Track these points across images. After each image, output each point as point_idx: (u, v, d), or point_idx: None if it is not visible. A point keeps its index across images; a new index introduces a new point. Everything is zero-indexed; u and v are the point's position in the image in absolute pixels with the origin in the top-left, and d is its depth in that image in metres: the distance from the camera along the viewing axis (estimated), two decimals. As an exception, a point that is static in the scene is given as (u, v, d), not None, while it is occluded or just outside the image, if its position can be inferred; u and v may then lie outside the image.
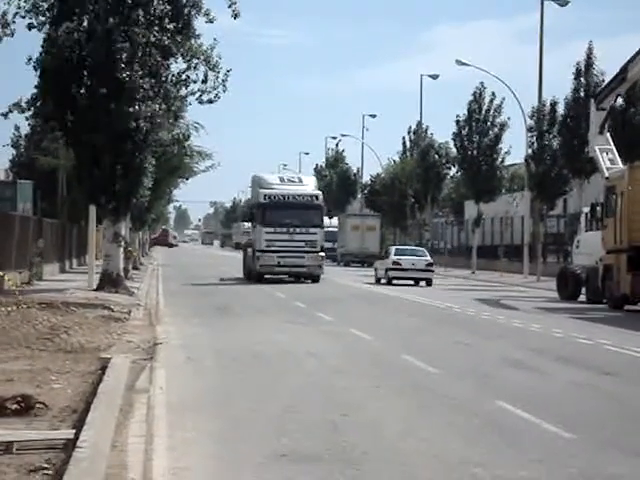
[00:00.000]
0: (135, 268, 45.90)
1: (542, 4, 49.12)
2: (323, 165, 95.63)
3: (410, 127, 75.83)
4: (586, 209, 34.85)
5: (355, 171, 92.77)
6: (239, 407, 11.20)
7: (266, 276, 40.68)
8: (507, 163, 60.21)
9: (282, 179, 43.15)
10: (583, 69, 45.15)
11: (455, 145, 59.05)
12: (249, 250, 42.67)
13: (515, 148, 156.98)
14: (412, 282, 40.63)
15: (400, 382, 13.34)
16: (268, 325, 21.23)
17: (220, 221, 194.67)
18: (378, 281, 41.96)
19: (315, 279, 40.36)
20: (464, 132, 57.22)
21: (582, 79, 45.20)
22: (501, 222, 64.65)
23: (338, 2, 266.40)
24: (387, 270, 40.99)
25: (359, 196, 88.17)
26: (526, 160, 48.90)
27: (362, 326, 20.64)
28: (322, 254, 40.66)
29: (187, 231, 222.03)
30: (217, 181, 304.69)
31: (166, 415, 10.51)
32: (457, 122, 57.53)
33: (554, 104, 47.44)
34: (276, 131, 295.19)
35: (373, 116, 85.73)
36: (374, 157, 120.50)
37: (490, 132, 57.01)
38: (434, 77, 69.06)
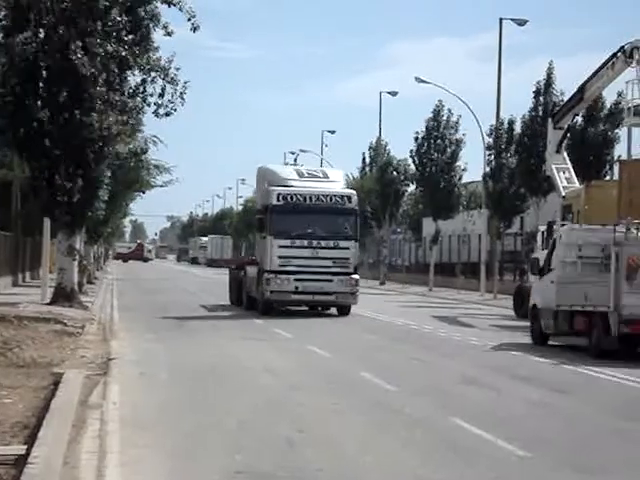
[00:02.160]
0: (90, 282, 45.47)
1: (501, 23, 49.56)
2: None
3: (370, 143, 76.12)
4: (542, 227, 35.02)
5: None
6: (193, 423, 11.07)
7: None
8: (466, 181, 60.56)
9: (301, 173, 31.04)
10: (543, 88, 45.56)
11: (414, 162, 59.31)
12: (250, 271, 31.15)
13: (474, 166, 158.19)
14: None
15: (357, 399, 13.27)
16: (224, 340, 21.10)
17: (177, 235, 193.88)
18: None
19: (344, 311, 29.74)
20: (422, 149, 57.50)
21: (541, 98, 45.60)
22: (459, 239, 64.94)
23: (298, 18, 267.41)
24: None
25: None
26: (484, 178, 49.19)
27: (320, 343, 20.57)
28: (356, 277, 29.53)
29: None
30: (174, 195, 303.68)
31: (119, 431, 10.36)
32: (416, 139, 57.81)
33: (511, 123, 47.79)
34: (235, 145, 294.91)
35: (332, 132, 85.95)
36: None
37: (448, 149, 57.33)
38: (393, 94, 69.38)
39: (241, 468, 8.86)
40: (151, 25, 27.51)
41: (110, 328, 23.08)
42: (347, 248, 29.31)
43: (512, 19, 49.41)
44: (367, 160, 77.19)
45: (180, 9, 26.94)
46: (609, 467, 9.65)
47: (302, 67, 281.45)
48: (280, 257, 28.93)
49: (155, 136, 42.51)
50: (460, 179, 58.13)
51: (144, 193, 51.74)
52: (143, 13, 27.36)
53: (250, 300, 31.00)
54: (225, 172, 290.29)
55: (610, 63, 30.18)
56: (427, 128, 57.43)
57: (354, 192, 31.05)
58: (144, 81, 27.69)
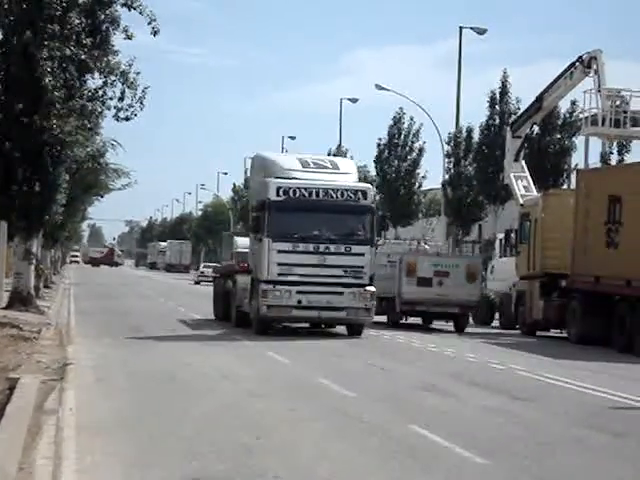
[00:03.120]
0: (46, 287, 45.07)
1: (460, 31, 49.81)
2: (242, 186, 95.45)
3: (330, 150, 76.19)
4: (500, 235, 35.31)
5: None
6: (150, 429, 10.99)
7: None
8: (426, 188, 60.80)
9: (305, 163, 25.43)
10: (498, 97, 45.86)
11: (375, 168, 59.52)
12: (241, 280, 26.63)
13: (434, 173, 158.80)
14: None
15: (315, 405, 13.25)
16: (183, 346, 20.99)
17: (135, 240, 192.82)
18: None
19: (356, 330, 24.96)
20: (384, 156, 57.73)
21: (497, 107, 45.90)
22: (418, 246, 65.12)
23: (258, 23, 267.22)
24: None
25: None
26: (443, 185, 49.42)
27: (279, 349, 20.54)
28: (372, 289, 24.41)
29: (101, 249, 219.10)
30: (133, 200, 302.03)
31: (75, 437, 10.26)
32: (378, 145, 58.05)
33: (470, 131, 48.08)
34: (195, 150, 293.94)
35: (293, 138, 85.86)
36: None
37: (408, 157, 57.59)
38: (354, 101, 69.50)
39: (198, 475, 8.81)
40: (111, 28, 27.34)
41: (67, 333, 22.88)
42: (361, 254, 24.22)
43: (472, 28, 49.68)
44: (327, 166, 76.90)
45: (140, 13, 26.81)
46: (567, 475, 9.71)
47: (263, 72, 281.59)
48: (280, 264, 23.93)
49: (114, 140, 42.27)
50: (420, 186, 58.39)
51: (102, 197, 51.38)
52: (103, 16, 27.18)
53: (241, 316, 26.35)
54: (185, 177, 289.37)
55: (568, 73, 30.51)
56: (389, 135, 57.66)
57: (370, 186, 26.07)
58: (104, 85, 27.54)
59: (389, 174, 57.39)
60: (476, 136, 47.51)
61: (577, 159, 44.26)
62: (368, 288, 24.28)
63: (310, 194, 24.23)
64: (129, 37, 27.37)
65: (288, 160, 25.91)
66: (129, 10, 27.18)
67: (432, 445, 10.64)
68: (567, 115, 43.33)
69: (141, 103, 27.52)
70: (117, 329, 24.99)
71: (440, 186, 51.16)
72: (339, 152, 73.56)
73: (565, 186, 41.51)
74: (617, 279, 24.05)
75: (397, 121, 57.42)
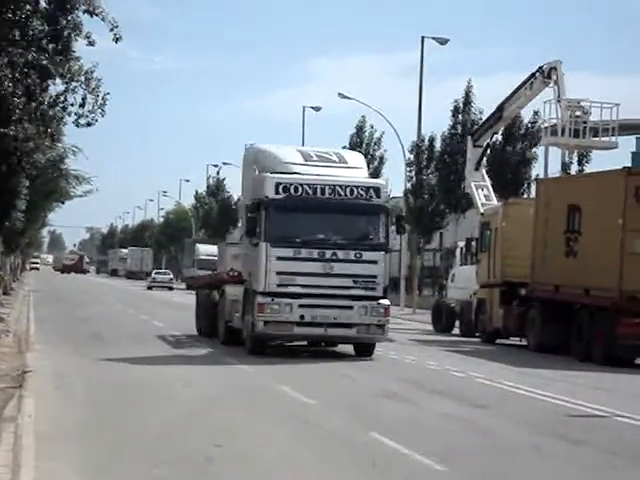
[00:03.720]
0: (5, 293, 44.66)
1: (422, 41, 50.08)
2: (204, 193, 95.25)
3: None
4: (461, 244, 35.48)
5: (236, 200, 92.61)
6: (110, 437, 10.95)
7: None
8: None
9: (307, 156, 22.27)
10: (461, 106, 46.15)
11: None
12: (230, 292, 23.43)
13: (395, 182, 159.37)
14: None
15: (276, 413, 13.25)
16: (142, 354, 20.88)
17: (96, 247, 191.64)
18: None
19: (366, 351, 21.74)
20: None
21: (460, 116, 46.19)
22: None
23: (222, 30, 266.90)
24: None
25: (240, 225, 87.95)
26: (405, 194, 49.61)
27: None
28: (386, 303, 21.27)
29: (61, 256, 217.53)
30: (94, 206, 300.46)
31: (34, 444, 10.19)
32: (340, 155, 58.04)
33: (432, 140, 48.33)
34: (157, 157, 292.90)
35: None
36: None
37: (370, 165, 57.71)
38: (316, 109, 69.56)
39: (158, 483, 8.78)
40: (73, 35, 27.21)
41: (26, 340, 22.70)
42: (374, 262, 20.97)
43: (434, 38, 49.97)
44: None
45: (102, 19, 26.71)
46: (524, 481, 9.79)
47: (225, 80, 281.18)
48: (279, 273, 20.70)
49: (75, 146, 42.06)
50: (381, 195, 58.56)
51: (63, 203, 51.13)
52: (64, 22, 27.05)
53: (230, 332, 23.20)
54: (147, 184, 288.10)
55: (529, 83, 30.75)
56: (350, 144, 57.76)
57: (384, 182, 23.17)
58: (65, 91, 27.40)
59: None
60: (438, 145, 47.77)
61: (538, 169, 44.65)
62: (382, 301, 21.08)
63: (314, 191, 21.04)
64: (91, 43, 27.24)
65: (288, 152, 22.47)
66: (91, 17, 27.12)
67: (392, 452, 10.68)
68: (529, 125, 43.69)
69: (102, 109, 27.44)
70: (77, 336, 24.82)
71: (402, 195, 51.38)
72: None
73: (525, 195, 41.83)
74: (576, 288, 24.25)
75: (359, 129, 57.57)
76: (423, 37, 49.94)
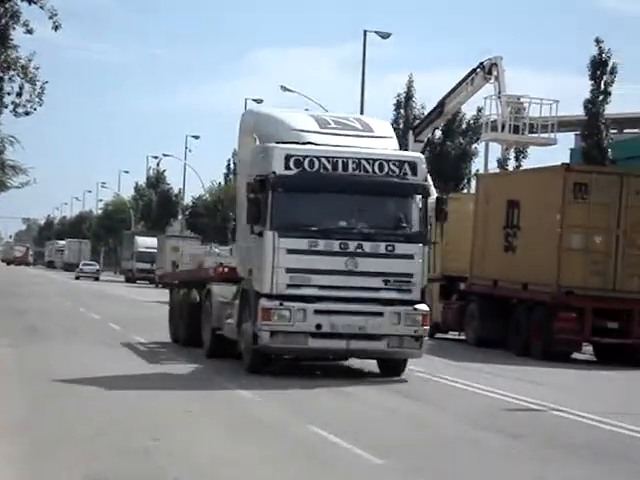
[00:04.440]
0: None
1: (365, 35, 50.15)
2: (144, 185, 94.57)
3: (234, 150, 76.01)
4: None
5: (177, 192, 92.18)
6: (47, 431, 10.80)
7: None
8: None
9: (323, 122, 17.76)
10: (403, 101, 46.32)
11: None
12: (219, 292, 19.18)
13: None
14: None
15: (214, 406, 13.19)
16: (80, 348, 20.64)
17: (33, 238, 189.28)
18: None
19: (396, 368, 17.35)
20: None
21: (402, 111, 46.36)
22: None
23: (161, 21, 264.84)
24: None
25: (180, 217, 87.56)
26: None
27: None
28: (424, 309, 16.89)
29: None
30: (31, 197, 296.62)
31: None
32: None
33: (374, 134, 48.39)
34: (96, 148, 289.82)
35: (196, 137, 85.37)
36: (197, 178, 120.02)
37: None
38: (258, 101, 69.28)
39: (96, 477, 8.69)
40: (10, 23, 26.79)
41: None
42: (409, 256, 16.70)
43: (376, 32, 50.04)
44: (232, 166, 77.11)
45: (41, 7, 26.35)
46: (463, 475, 9.86)
47: (166, 71, 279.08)
48: (290, 270, 16.33)
49: (12, 136, 41.41)
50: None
51: (-1, 194, 50.30)
52: (2, 10, 26.62)
53: (218, 342, 18.92)
54: (85, 175, 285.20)
55: (470, 79, 30.95)
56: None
57: (421, 156, 17.90)
58: (1, 79, 26.97)
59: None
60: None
61: (478, 164, 45.00)
62: (419, 307, 16.66)
63: (334, 166, 16.59)
64: (29, 32, 26.87)
65: (298, 118, 17.95)
66: (29, 4, 26.73)
67: (330, 446, 10.68)
68: (472, 121, 44.00)
69: (40, 98, 27.06)
70: (12, 329, 24.46)
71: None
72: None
73: (466, 191, 42.13)
74: (514, 283, 24.48)
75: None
76: (365, 31, 49.95)
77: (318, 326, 16.27)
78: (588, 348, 24.27)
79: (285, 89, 52.61)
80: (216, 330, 18.95)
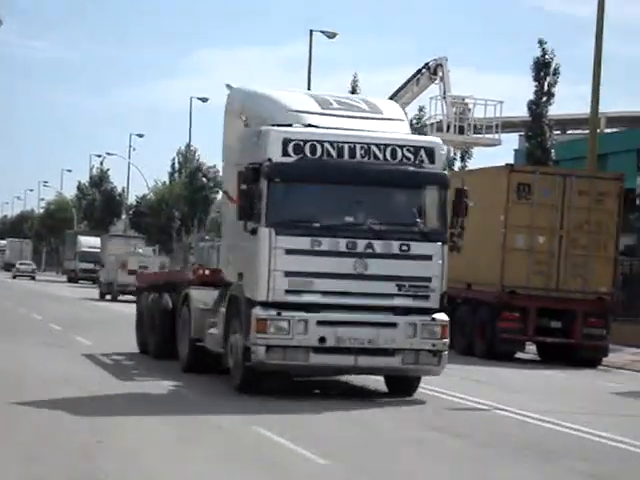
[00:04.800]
0: None
1: (311, 35, 50.13)
2: (87, 184, 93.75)
3: (179, 149, 75.64)
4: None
5: (120, 191, 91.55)
6: None
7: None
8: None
9: (325, 102, 15.62)
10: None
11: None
12: (199, 297, 17.00)
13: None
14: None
15: (161, 408, 13.06)
16: (21, 348, 20.33)
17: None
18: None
19: (409, 387, 15.49)
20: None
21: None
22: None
23: (103, 19, 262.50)
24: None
25: (124, 217, 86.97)
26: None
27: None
28: (444, 319, 14.78)
29: None
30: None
31: None
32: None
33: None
34: (37, 147, 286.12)
35: (141, 136, 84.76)
36: (142, 177, 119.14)
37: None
38: (204, 100, 69.06)
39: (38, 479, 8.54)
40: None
41: None
42: (427, 257, 14.70)
43: (322, 31, 50.08)
44: (176, 166, 76.76)
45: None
46: (406, 475, 9.85)
47: (110, 69, 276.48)
48: (289, 274, 14.24)
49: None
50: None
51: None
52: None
53: (197, 355, 16.73)
54: (26, 174, 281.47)
55: (415, 79, 31.10)
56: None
57: (439, 141, 15.71)
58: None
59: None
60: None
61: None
62: (438, 316, 14.66)
63: (340, 152, 14.53)
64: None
65: (297, 97, 15.83)
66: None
67: (275, 446, 10.63)
68: (415, 121, 44.20)
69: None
70: None
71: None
72: (188, 151, 73.07)
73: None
74: (459, 283, 24.59)
75: (247, 122, 57.64)
76: (311, 30, 49.98)
77: (322, 339, 14.17)
78: (532, 347, 24.50)
79: (230, 88, 52.34)
80: (196, 341, 16.64)
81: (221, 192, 17.45)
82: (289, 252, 14.18)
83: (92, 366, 17.74)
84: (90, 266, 66.16)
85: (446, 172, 15.35)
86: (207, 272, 17.55)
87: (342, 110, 15.34)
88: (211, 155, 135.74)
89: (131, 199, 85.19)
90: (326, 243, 14.27)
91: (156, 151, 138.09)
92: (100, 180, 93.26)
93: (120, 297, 46.08)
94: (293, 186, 14.42)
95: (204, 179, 68.99)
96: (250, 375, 14.56)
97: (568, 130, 51.79)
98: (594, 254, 23.06)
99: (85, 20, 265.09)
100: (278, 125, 14.60)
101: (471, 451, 11.18)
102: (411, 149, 14.78)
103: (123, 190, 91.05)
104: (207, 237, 78.67)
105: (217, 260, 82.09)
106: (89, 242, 69.48)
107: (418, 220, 14.85)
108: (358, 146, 14.57)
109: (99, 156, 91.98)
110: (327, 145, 14.46)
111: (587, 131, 30.60)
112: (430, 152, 14.85)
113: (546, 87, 33.17)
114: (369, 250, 14.37)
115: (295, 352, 14.13)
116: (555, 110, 35.28)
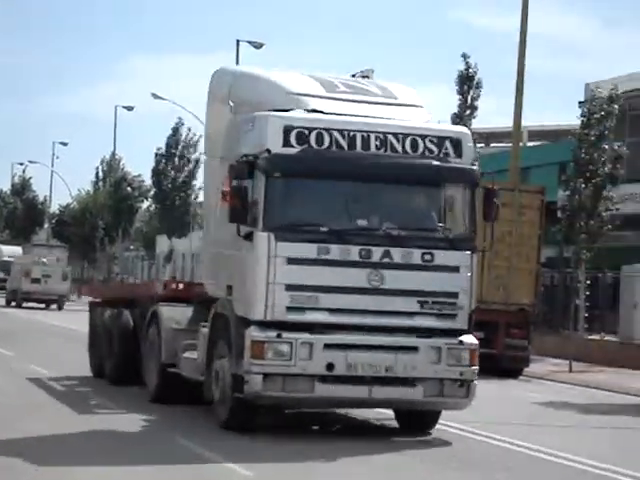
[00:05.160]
0: None
1: (238, 45, 50.10)
2: (8, 192, 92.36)
3: (103, 157, 74.99)
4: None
5: (43, 200, 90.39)
6: None
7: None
8: (202, 200, 60.95)
9: (330, 84, 13.07)
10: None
11: (152, 179, 59.45)
12: (171, 315, 14.58)
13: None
14: None
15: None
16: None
17: None
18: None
19: (429, 422, 12.89)
20: (161, 166, 57.92)
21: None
22: (192, 258, 65.18)
23: (25, 22, 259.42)
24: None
25: (46, 226, 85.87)
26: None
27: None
28: (473, 342, 12.30)
29: None
30: None
31: None
32: (156, 156, 58.20)
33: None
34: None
35: (64, 144, 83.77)
36: (65, 186, 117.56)
37: (185, 168, 57.95)
38: (129, 108, 68.48)
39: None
40: None
41: None
42: (454, 268, 12.40)
43: (249, 41, 50.11)
44: (100, 174, 76.09)
45: None
46: None
47: (31, 75, 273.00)
48: (291, 288, 11.91)
49: None
50: (196, 198, 58.67)
51: None
52: None
53: (169, 382, 14.30)
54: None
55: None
56: (166, 146, 57.71)
57: (467, 131, 13.20)
58: None
59: (165, 185, 57.56)
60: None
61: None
62: (466, 339, 12.35)
63: (351, 143, 12.23)
64: None
65: (298, 79, 13.31)
66: None
67: (200, 457, 10.57)
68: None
69: None
70: None
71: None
72: (112, 160, 72.38)
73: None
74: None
75: (176, 131, 57.59)
76: (238, 40, 49.96)
77: (329, 366, 11.77)
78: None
79: (156, 97, 52.12)
80: (167, 367, 14.21)
81: (198, 191, 14.82)
82: (291, 261, 11.83)
83: (34, 389, 15.44)
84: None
85: (475, 167, 12.66)
86: (181, 286, 15.45)
87: (350, 94, 13.02)
88: (137, 164, 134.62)
89: (54, 208, 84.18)
90: (335, 251, 11.94)
91: (80, 160, 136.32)
92: (22, 188, 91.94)
93: (24, 304, 48.00)
94: (296, 182, 12.08)
95: (129, 188, 68.52)
96: (241, 410, 12.04)
97: (492, 143, 52.57)
98: (516, 266, 23.36)
99: (7, 25, 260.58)
100: (276, 110, 12.26)
101: (405, 465, 11.13)
102: (434, 140, 12.47)
103: (45, 199, 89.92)
104: (132, 247, 78.13)
105: (141, 270, 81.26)
106: (11, 251, 68.47)
107: (443, 224, 12.58)
108: (373, 136, 12.23)
109: (21, 164, 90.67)
110: (336, 134, 12.12)
111: (510, 144, 31.04)
112: (457, 143, 12.55)
113: (469, 100, 33.56)
114: (386, 260, 12.07)
115: (298, 381, 11.73)
116: (479, 123, 35.72)
